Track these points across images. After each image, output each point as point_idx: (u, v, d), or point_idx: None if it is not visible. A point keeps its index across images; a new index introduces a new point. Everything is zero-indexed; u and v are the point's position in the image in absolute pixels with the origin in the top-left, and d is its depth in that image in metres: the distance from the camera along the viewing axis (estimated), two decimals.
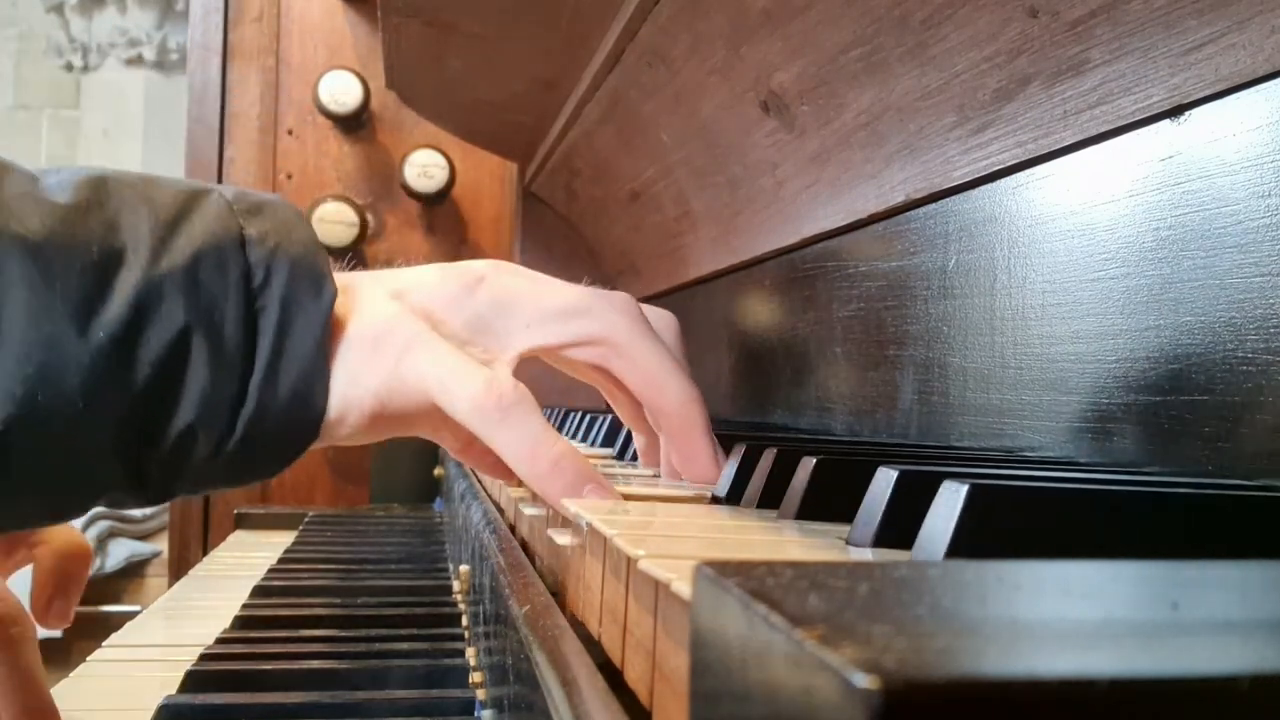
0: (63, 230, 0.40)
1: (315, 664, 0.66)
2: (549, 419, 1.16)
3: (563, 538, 0.43)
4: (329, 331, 0.44)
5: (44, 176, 0.43)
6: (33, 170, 0.43)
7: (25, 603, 0.53)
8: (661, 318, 0.52)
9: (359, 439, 0.49)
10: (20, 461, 0.39)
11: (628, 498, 0.44)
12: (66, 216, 0.41)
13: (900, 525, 0.31)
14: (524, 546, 0.56)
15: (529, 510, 0.54)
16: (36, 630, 0.47)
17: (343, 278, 0.48)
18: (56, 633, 0.83)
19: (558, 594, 0.44)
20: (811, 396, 0.80)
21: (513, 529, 0.63)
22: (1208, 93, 0.42)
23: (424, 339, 0.46)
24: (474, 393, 0.45)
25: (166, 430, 0.42)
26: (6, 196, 0.40)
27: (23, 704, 0.45)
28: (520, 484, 0.54)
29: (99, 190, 0.43)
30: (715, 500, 0.44)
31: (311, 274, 0.44)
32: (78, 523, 0.56)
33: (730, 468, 0.46)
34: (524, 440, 0.45)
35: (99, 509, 0.62)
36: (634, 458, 0.59)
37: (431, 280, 0.48)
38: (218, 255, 0.43)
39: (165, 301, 0.41)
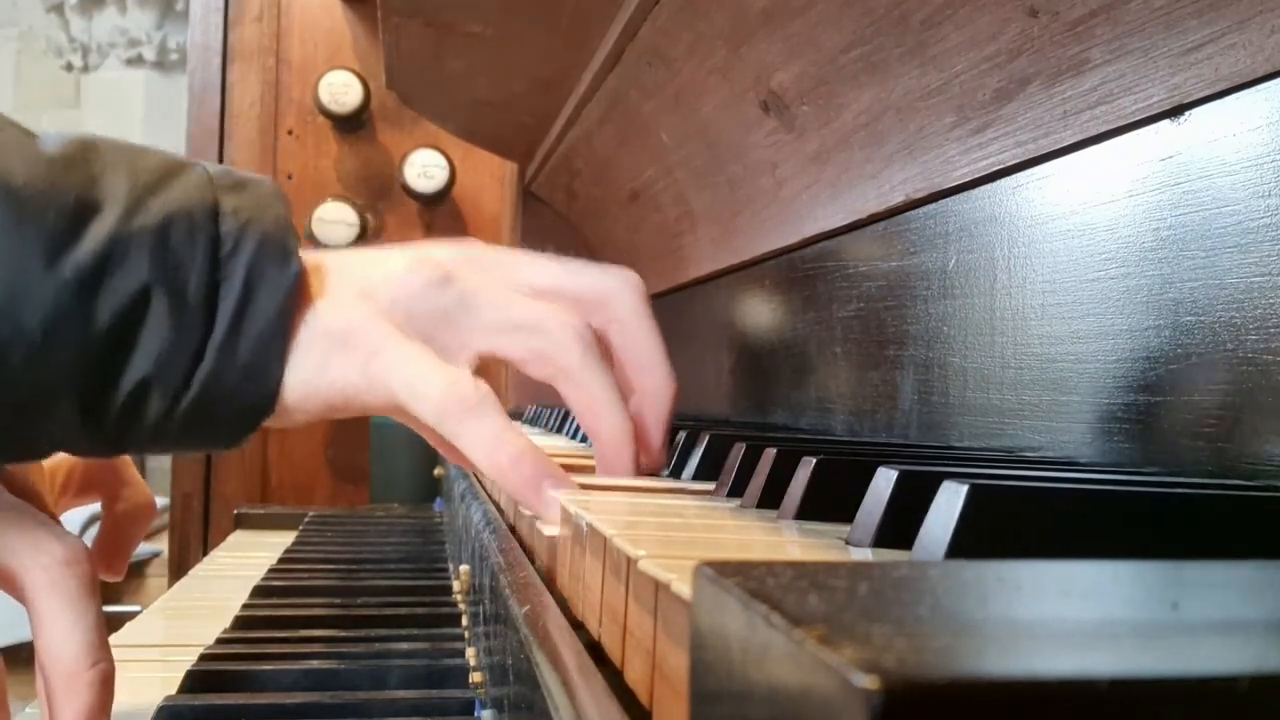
0: (44, 177, 0.42)
1: (315, 664, 0.66)
2: (548, 419, 1.16)
3: (550, 530, 0.44)
4: (291, 306, 0.46)
5: (41, 136, 0.45)
6: (31, 130, 0.45)
7: None
8: (624, 280, 0.53)
9: (318, 420, 0.50)
10: None
11: (585, 488, 0.46)
12: (50, 166, 0.43)
13: (900, 525, 0.31)
14: (524, 546, 0.56)
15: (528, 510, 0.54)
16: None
17: (313, 260, 0.49)
18: None
19: (549, 580, 0.44)
20: (811, 396, 0.80)
21: (513, 529, 0.63)
22: (1208, 93, 0.42)
23: (390, 342, 0.47)
24: (436, 395, 0.46)
25: (122, 378, 0.43)
26: None
27: (83, 641, 0.45)
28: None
29: (87, 149, 0.45)
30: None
31: (279, 249, 0.46)
32: (76, 524, 0.57)
33: (731, 467, 0.46)
34: (484, 439, 0.47)
35: (98, 509, 0.63)
36: None
37: (399, 272, 0.49)
38: (189, 221, 0.45)
39: (132, 255, 0.43)
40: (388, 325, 0.48)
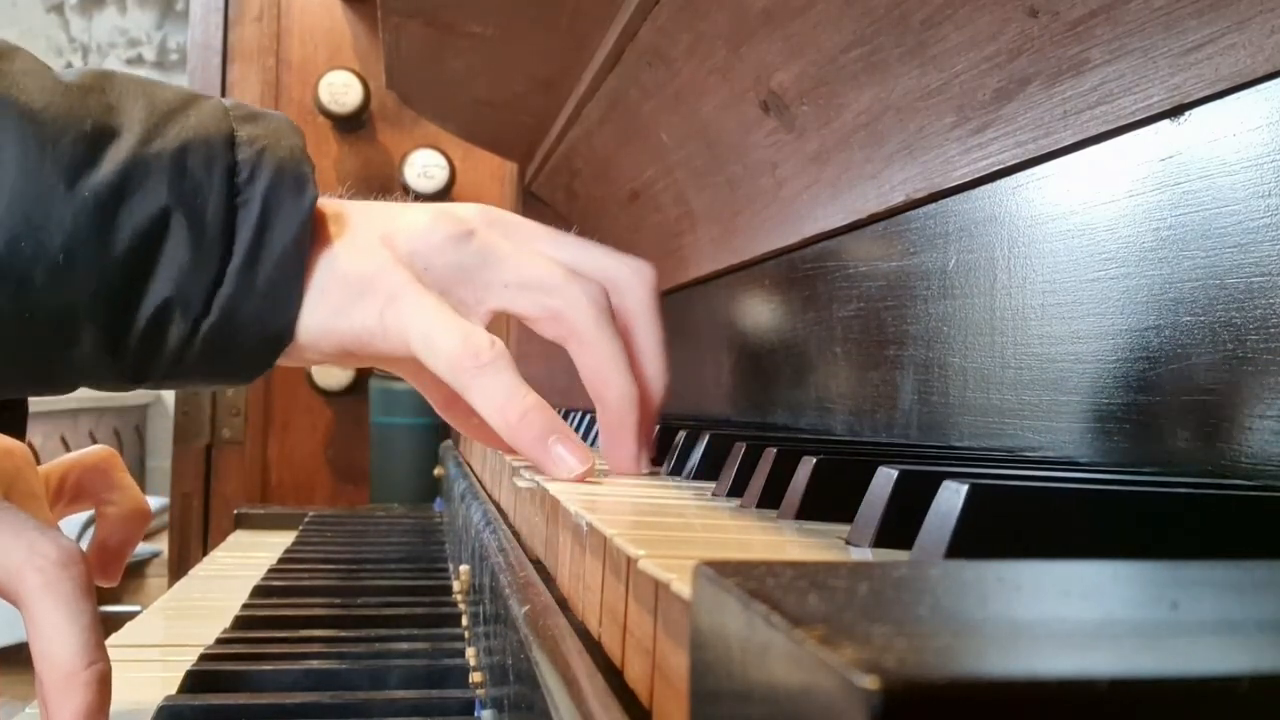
0: (62, 103, 0.43)
1: (315, 664, 0.66)
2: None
3: (522, 482, 0.46)
4: (308, 232, 0.47)
5: (58, 69, 0.46)
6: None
7: None
8: (636, 270, 0.54)
9: (330, 363, 0.51)
10: (1, 314, 0.42)
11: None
12: (68, 92, 0.43)
13: (900, 525, 0.31)
14: (524, 546, 0.56)
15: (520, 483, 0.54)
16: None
17: (335, 206, 0.50)
18: None
19: (549, 580, 0.44)
20: (811, 396, 0.80)
21: (513, 529, 0.63)
22: (1208, 93, 0.42)
23: (409, 291, 0.48)
24: (451, 348, 0.47)
25: (143, 301, 0.44)
26: (14, 70, 0.43)
27: (78, 642, 0.45)
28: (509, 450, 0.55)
29: (104, 79, 0.46)
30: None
31: (295, 176, 0.47)
32: (74, 526, 0.57)
33: (731, 467, 0.46)
34: (496, 394, 0.47)
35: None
36: None
37: (422, 225, 0.50)
38: (206, 147, 0.45)
39: (151, 179, 0.44)
40: (407, 273, 0.48)
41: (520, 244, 0.51)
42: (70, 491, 0.62)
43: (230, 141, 0.46)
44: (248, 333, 0.46)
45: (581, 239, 0.54)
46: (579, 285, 0.50)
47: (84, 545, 0.51)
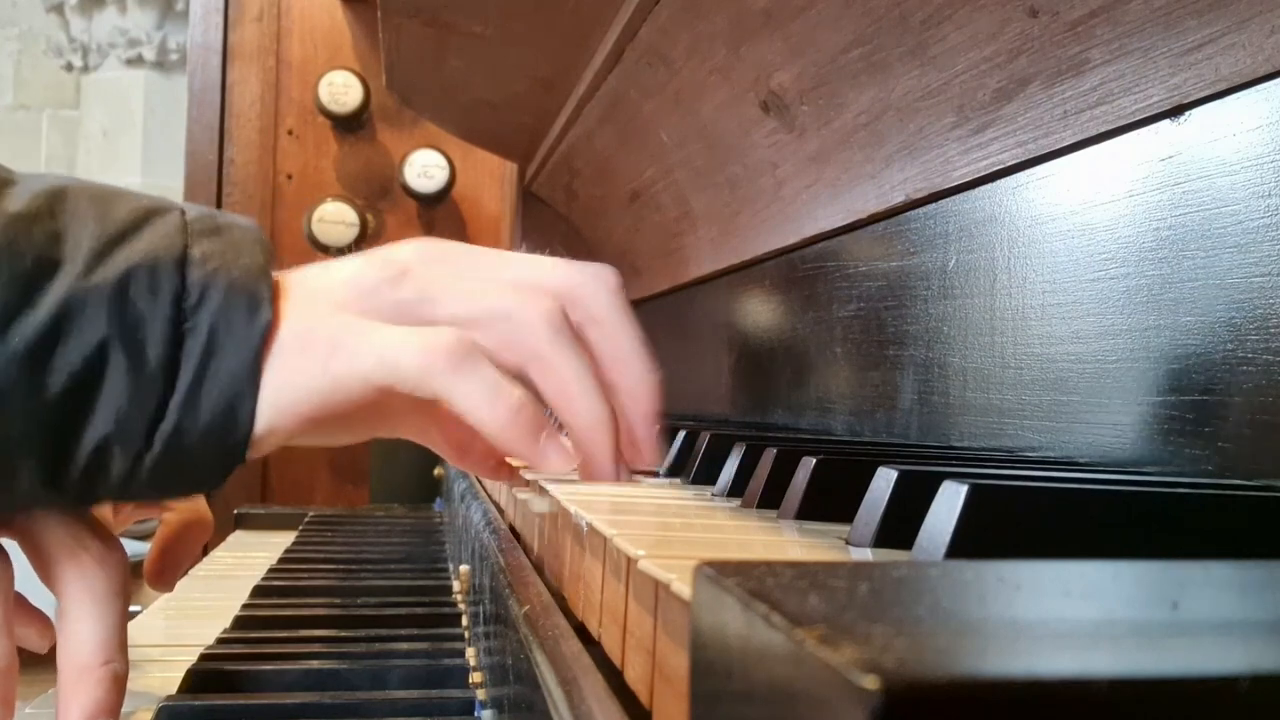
0: (2, 239, 0.41)
1: (315, 664, 0.66)
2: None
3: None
4: (260, 356, 0.43)
5: (19, 183, 0.43)
6: (16, 175, 0.44)
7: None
8: (596, 275, 0.51)
9: (314, 440, 0.48)
10: None
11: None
12: (9, 225, 0.41)
13: (900, 525, 0.31)
14: (524, 546, 0.56)
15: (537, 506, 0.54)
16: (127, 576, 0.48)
17: (283, 277, 0.47)
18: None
19: (548, 580, 0.44)
20: (811, 396, 0.80)
21: (513, 529, 0.63)
22: (1208, 93, 0.42)
23: (348, 329, 0.45)
24: (416, 352, 0.44)
25: (81, 439, 0.42)
26: None
27: (100, 639, 0.45)
28: (523, 483, 0.54)
29: (55, 201, 0.43)
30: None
31: (249, 297, 0.43)
32: None
33: (731, 467, 0.46)
34: (483, 389, 0.44)
35: None
36: None
37: (351, 272, 0.47)
38: (151, 273, 0.43)
39: (88, 313, 0.41)
40: (342, 314, 0.45)
41: (463, 273, 0.49)
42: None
43: (181, 262, 0.43)
44: (196, 459, 0.43)
45: (532, 255, 0.52)
46: (530, 306, 0.47)
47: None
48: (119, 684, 0.45)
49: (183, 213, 0.45)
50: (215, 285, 0.43)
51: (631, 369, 0.50)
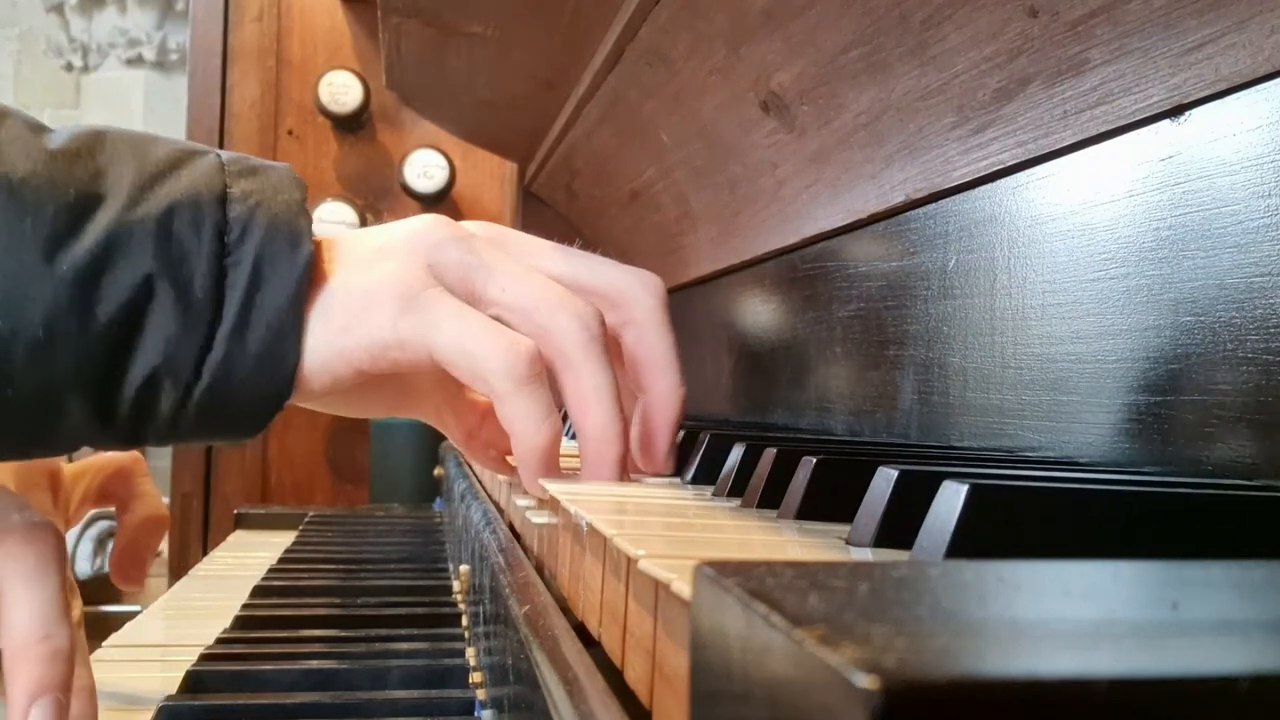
0: (45, 172, 0.42)
1: (315, 664, 0.66)
2: None
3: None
4: (304, 289, 0.45)
5: (54, 130, 0.44)
6: (43, 123, 0.44)
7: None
8: (643, 281, 0.52)
9: (339, 404, 0.49)
10: None
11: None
12: (52, 160, 0.42)
13: (900, 525, 0.31)
14: (524, 546, 0.56)
15: (536, 518, 0.54)
16: (65, 554, 0.48)
17: (328, 233, 0.48)
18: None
19: (548, 580, 0.44)
20: (811, 396, 0.80)
21: (513, 529, 0.63)
22: (1208, 93, 0.42)
23: (425, 294, 0.46)
24: (501, 353, 0.45)
25: (129, 371, 0.42)
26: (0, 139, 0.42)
27: (33, 615, 0.45)
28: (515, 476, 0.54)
29: (94, 141, 0.44)
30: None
31: (290, 232, 0.45)
32: (75, 526, 0.58)
33: (731, 467, 0.46)
34: (538, 410, 0.46)
35: (98, 510, 0.64)
36: None
37: (421, 226, 0.48)
38: (195, 208, 0.44)
39: (134, 245, 0.42)
40: (423, 275, 0.46)
41: (520, 259, 0.50)
42: (94, 493, 0.63)
43: (222, 199, 0.44)
44: (244, 393, 0.44)
45: (588, 253, 0.53)
46: (572, 308, 0.48)
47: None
48: (60, 657, 0.44)
49: (218, 155, 0.46)
50: (256, 221, 0.44)
51: (663, 377, 0.51)
